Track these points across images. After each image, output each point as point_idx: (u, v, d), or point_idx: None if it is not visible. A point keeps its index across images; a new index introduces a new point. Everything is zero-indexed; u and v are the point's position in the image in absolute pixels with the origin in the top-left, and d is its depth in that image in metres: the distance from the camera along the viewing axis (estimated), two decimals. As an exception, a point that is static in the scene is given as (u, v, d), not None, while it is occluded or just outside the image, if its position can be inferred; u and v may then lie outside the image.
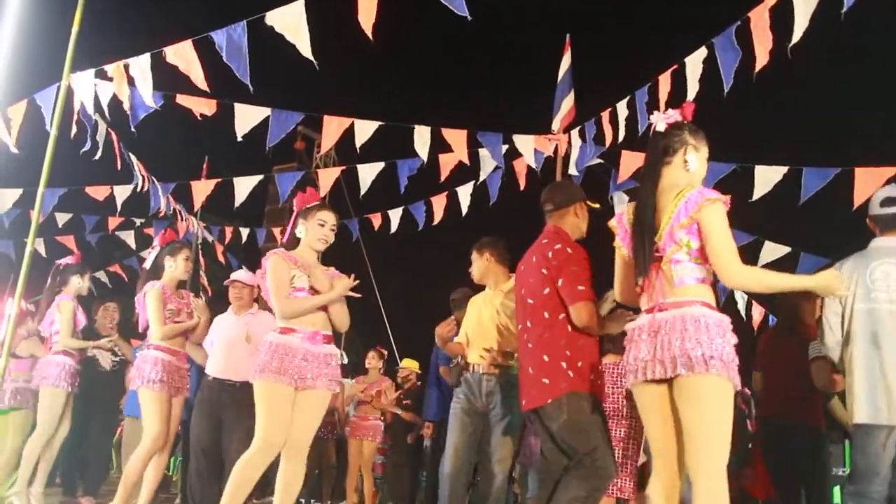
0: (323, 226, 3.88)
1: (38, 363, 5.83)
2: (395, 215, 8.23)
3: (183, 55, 4.96)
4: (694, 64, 5.20)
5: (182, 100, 5.57)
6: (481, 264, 4.60)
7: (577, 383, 3.35)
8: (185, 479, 6.04)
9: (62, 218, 8.93)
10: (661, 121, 2.98)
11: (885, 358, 3.39)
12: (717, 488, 2.60)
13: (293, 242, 3.92)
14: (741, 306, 8.53)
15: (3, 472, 6.01)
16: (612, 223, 3.08)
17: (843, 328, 3.57)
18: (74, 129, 5.49)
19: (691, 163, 2.90)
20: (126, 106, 5.35)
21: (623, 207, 6.18)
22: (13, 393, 6.22)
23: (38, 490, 5.68)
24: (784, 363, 4.67)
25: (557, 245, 3.53)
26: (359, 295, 3.93)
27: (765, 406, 4.99)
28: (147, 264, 4.99)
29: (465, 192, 7.38)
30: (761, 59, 4.71)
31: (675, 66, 5.36)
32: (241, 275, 5.64)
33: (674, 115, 2.98)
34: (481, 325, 4.45)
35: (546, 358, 3.43)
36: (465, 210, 7.41)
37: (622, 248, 3.00)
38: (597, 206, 3.78)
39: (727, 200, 2.79)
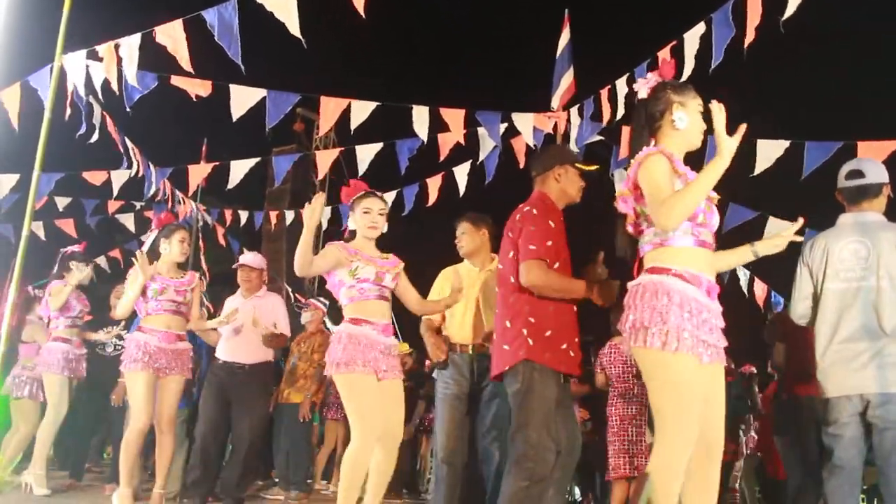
0: (368, 213, 3.88)
1: (41, 350, 5.97)
2: (391, 198, 8.16)
3: (172, 35, 4.90)
4: (692, 40, 5.14)
5: (177, 81, 5.51)
6: (476, 239, 4.46)
7: (538, 352, 3.16)
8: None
9: (62, 202, 8.90)
10: (642, 87, 2.86)
11: (848, 334, 3.45)
12: (664, 466, 2.52)
13: (351, 236, 3.96)
14: (743, 283, 8.50)
15: (10, 457, 6.08)
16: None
17: (813, 303, 3.62)
18: (69, 112, 5.45)
19: (679, 121, 2.76)
20: (117, 87, 5.30)
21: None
22: (23, 381, 6.27)
23: (41, 473, 5.72)
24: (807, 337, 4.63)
25: (527, 207, 3.38)
26: None
27: (789, 380, 4.91)
28: (144, 248, 4.99)
29: (462, 172, 7.31)
30: (751, 34, 4.67)
31: (674, 43, 5.30)
32: (249, 258, 5.68)
33: (653, 78, 2.86)
34: (468, 304, 4.33)
35: (508, 324, 3.27)
36: (462, 190, 7.35)
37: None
38: (593, 168, 3.57)
39: (664, 149, 2.69)
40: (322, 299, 7.61)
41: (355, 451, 3.58)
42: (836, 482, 3.44)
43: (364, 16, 4.47)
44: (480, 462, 4.25)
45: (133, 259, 4.61)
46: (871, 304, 3.43)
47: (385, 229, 3.92)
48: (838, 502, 3.41)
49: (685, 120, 2.77)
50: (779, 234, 3.05)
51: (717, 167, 2.59)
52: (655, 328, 2.55)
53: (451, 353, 4.29)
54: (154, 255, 4.86)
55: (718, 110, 2.59)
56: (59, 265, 5.92)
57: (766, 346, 5.93)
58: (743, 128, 2.63)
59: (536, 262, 3.20)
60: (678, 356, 2.54)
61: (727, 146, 2.60)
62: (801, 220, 3.06)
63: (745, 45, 4.72)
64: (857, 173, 3.66)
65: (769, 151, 5.75)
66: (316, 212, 3.66)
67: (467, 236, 4.47)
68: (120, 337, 6.86)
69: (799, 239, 3.09)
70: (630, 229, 2.81)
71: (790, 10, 4.46)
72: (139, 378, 4.62)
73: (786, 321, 5.00)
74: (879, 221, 3.58)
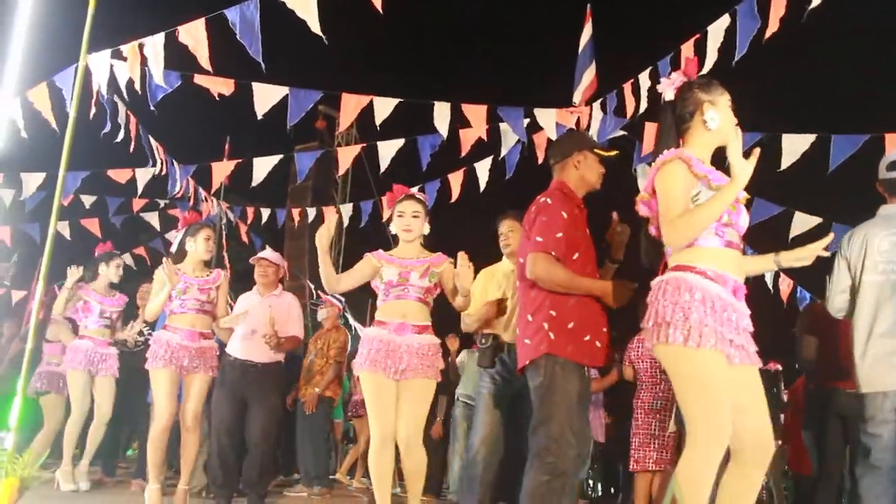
0: (402, 216, 3.97)
1: (67, 348, 6.10)
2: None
3: (194, 34, 4.93)
4: (716, 33, 5.08)
5: (200, 80, 5.53)
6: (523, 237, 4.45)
7: (561, 346, 3.10)
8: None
9: (87, 200, 8.99)
10: (667, 88, 2.81)
11: (882, 328, 3.39)
12: (694, 465, 2.48)
13: (394, 240, 4.08)
14: (768, 278, 8.40)
15: (37, 454, 6.13)
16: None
17: (851, 297, 3.57)
18: (94, 111, 5.50)
19: (712, 121, 2.72)
20: (140, 86, 5.34)
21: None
22: (46, 376, 6.36)
23: (67, 469, 5.80)
24: (837, 331, 4.53)
25: (543, 198, 3.31)
26: None
27: (820, 373, 4.85)
28: (173, 248, 5.09)
29: (483, 168, 7.29)
30: (775, 25, 4.61)
31: (697, 36, 5.24)
32: (269, 253, 5.70)
33: (678, 78, 2.81)
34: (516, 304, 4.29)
35: (529, 318, 3.22)
36: (482, 186, 7.32)
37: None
38: (612, 153, 3.50)
39: (683, 153, 2.64)
40: (338, 296, 7.64)
41: (371, 450, 3.77)
42: (870, 481, 3.38)
43: (381, 10, 4.47)
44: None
45: (162, 268, 4.65)
46: None
47: (424, 230, 3.99)
48: (872, 501, 3.36)
49: (717, 119, 2.73)
50: (807, 247, 2.95)
51: (731, 191, 2.57)
52: (677, 324, 2.51)
53: (500, 353, 4.22)
54: (181, 254, 4.92)
55: (737, 136, 2.59)
56: (90, 268, 6.12)
57: (792, 341, 5.87)
58: (757, 152, 2.62)
59: (543, 255, 3.15)
60: (701, 352, 2.49)
61: (742, 170, 2.58)
62: (830, 236, 3.00)
63: (767, 36, 4.66)
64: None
65: (795, 145, 5.68)
66: (324, 236, 3.76)
67: (515, 234, 4.31)
68: (141, 333, 6.94)
69: (826, 254, 2.99)
70: (654, 232, 2.78)
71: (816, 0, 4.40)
72: (162, 375, 4.67)
73: (816, 314, 4.94)
74: None
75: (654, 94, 5.73)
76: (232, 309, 5.44)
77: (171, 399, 4.69)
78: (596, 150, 3.46)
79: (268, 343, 5.13)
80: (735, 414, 2.55)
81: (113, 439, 7.19)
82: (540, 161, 6.83)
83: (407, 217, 3.94)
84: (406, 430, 3.80)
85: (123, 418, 7.23)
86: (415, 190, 4.30)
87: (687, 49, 5.29)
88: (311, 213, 9.98)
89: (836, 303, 3.64)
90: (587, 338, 3.17)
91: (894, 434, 3.35)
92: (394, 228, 3.99)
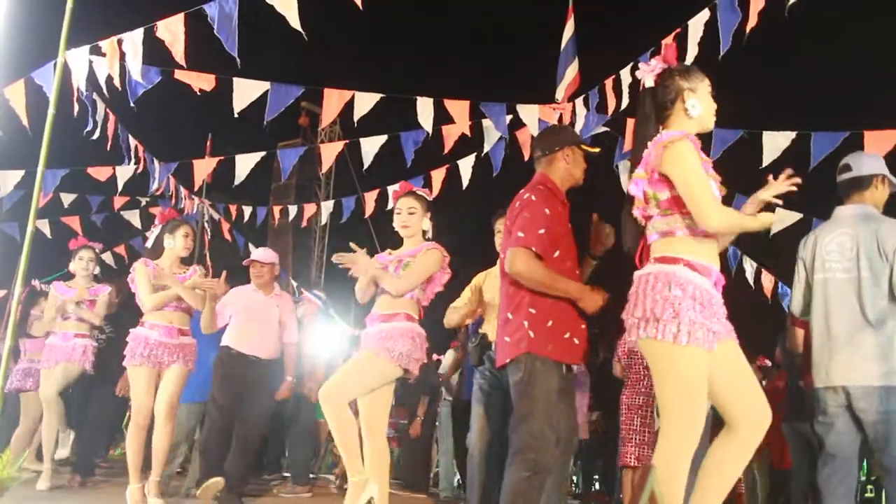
0: (399, 213, 3.99)
1: (45, 345, 5.82)
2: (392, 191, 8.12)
3: (171, 29, 4.89)
4: (696, 27, 5.10)
5: (181, 75, 5.49)
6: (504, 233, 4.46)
7: (540, 345, 3.09)
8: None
9: (67, 198, 8.91)
10: (647, 75, 2.78)
11: (833, 325, 3.47)
12: (668, 459, 2.51)
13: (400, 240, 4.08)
14: (749, 275, 8.46)
15: (16, 453, 6.06)
16: (631, 186, 2.86)
17: (808, 296, 3.66)
18: (77, 108, 5.44)
19: (693, 108, 2.70)
20: (119, 83, 5.29)
21: (627, 176, 6.05)
22: (24, 373, 6.27)
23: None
24: None
25: (526, 194, 3.27)
26: None
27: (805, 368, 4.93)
28: (148, 244, 5.03)
29: (466, 165, 7.29)
30: (754, 19, 4.64)
31: (678, 30, 5.27)
32: (260, 254, 5.68)
33: (658, 65, 2.78)
34: None
35: (510, 316, 3.20)
36: (465, 183, 7.32)
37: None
38: (596, 150, 3.47)
39: (689, 134, 2.62)
40: (317, 293, 7.62)
41: None
42: (829, 470, 3.47)
43: (361, 6, 4.46)
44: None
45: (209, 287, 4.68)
46: (854, 295, 3.44)
47: (422, 226, 4.00)
48: (830, 491, 3.43)
49: (699, 107, 2.72)
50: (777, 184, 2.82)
51: (753, 225, 2.62)
52: (668, 320, 2.50)
53: (488, 351, 4.26)
54: (157, 250, 4.88)
55: (777, 187, 2.67)
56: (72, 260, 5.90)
57: (773, 336, 5.91)
58: (773, 218, 2.68)
59: (523, 250, 3.12)
60: (688, 349, 2.49)
61: (764, 221, 2.64)
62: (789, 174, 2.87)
63: (748, 30, 4.68)
64: (846, 167, 3.71)
65: (776, 142, 5.71)
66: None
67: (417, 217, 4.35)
68: (102, 330, 6.85)
69: (797, 181, 2.84)
70: (637, 213, 2.76)
71: None
72: (140, 373, 4.67)
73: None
74: (867, 213, 3.58)
75: (635, 90, 5.75)
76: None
77: (150, 397, 4.67)
78: (582, 147, 3.45)
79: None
80: (726, 391, 2.59)
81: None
82: (526, 157, 6.85)
83: (403, 214, 3.96)
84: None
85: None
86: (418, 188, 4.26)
87: (667, 44, 5.31)
88: (293, 210, 9.94)
89: (794, 303, 3.74)
90: (566, 335, 3.17)
91: (846, 423, 3.43)
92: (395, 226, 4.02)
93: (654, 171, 2.62)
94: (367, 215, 8.52)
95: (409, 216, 3.95)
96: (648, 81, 2.78)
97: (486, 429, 4.24)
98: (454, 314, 4.61)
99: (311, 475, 7.23)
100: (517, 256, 3.12)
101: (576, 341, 3.20)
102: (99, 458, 7.35)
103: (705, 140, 2.82)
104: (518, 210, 3.24)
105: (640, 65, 2.82)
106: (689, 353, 2.50)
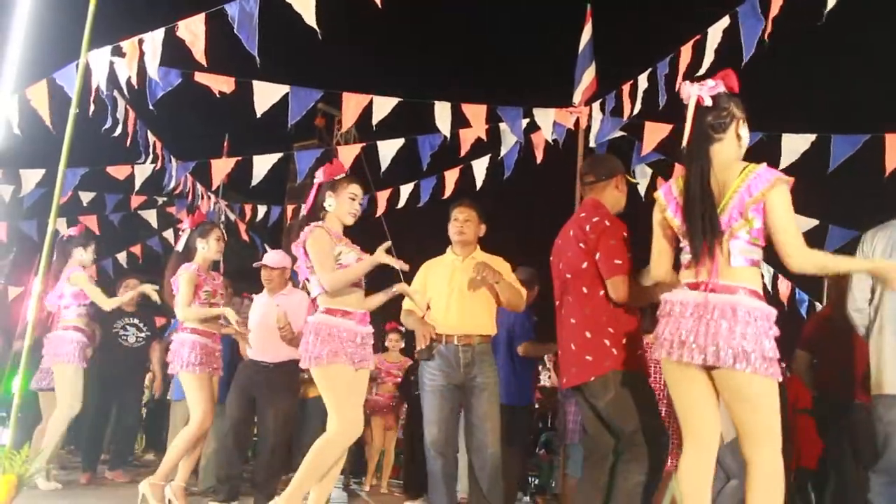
0: (354, 199, 3.88)
1: (50, 340, 5.68)
2: (406, 190, 8.12)
3: (192, 29, 4.91)
4: (715, 34, 5.07)
5: (200, 77, 5.52)
6: (478, 230, 4.50)
7: (623, 360, 3.27)
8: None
9: (86, 197, 8.96)
10: (704, 93, 2.76)
11: None
12: (775, 476, 2.59)
13: (317, 214, 3.86)
14: (767, 279, 8.40)
15: (35, 449, 6.07)
16: (659, 194, 2.90)
17: (871, 305, 3.55)
18: (92, 108, 5.48)
19: (745, 137, 2.78)
20: (136, 83, 5.32)
21: (645, 181, 6.07)
22: (45, 372, 6.30)
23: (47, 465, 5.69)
24: (839, 344, 4.55)
25: (595, 218, 3.41)
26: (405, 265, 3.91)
27: (822, 385, 4.89)
28: (179, 247, 5.04)
29: (480, 166, 7.29)
30: (775, 24, 4.61)
31: (697, 37, 5.24)
32: (270, 258, 5.63)
33: (718, 86, 2.78)
34: (453, 293, 4.33)
35: (588, 335, 3.34)
36: (479, 184, 7.31)
37: (674, 220, 2.80)
38: (636, 182, 3.70)
39: (791, 182, 2.67)
40: None
41: (332, 438, 3.60)
42: (881, 481, 3.45)
43: (380, 4, 4.48)
44: (469, 452, 4.27)
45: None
46: None
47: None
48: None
49: (748, 137, 2.81)
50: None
51: (861, 265, 3.02)
52: (773, 359, 2.56)
53: (437, 344, 4.26)
54: (188, 253, 4.91)
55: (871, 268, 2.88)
56: (56, 252, 5.66)
57: (790, 343, 5.87)
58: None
59: (624, 278, 3.28)
60: (775, 383, 2.60)
61: (874, 266, 2.88)
62: None
63: (766, 36, 4.65)
64: None
65: (794, 145, 5.67)
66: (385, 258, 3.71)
67: (472, 224, 4.47)
68: (139, 329, 6.91)
69: None
70: (744, 241, 2.70)
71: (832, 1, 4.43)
72: (202, 380, 4.72)
73: (819, 325, 4.96)
74: None
75: (651, 96, 5.73)
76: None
77: (211, 401, 4.76)
78: (627, 176, 3.67)
79: (283, 336, 5.07)
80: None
81: (98, 435, 7.03)
82: (538, 161, 6.85)
83: (358, 201, 3.92)
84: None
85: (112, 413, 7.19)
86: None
87: (686, 50, 5.29)
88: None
89: (858, 302, 3.62)
90: (638, 350, 3.37)
91: None
92: (331, 206, 3.87)
93: (760, 202, 2.63)
94: (378, 214, 8.51)
95: (361, 207, 3.92)
96: (707, 101, 2.76)
97: (443, 427, 4.25)
98: (411, 317, 4.46)
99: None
100: (621, 285, 3.28)
101: (642, 357, 3.41)
102: (132, 455, 7.40)
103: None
104: (599, 236, 3.36)
105: (685, 83, 2.84)
106: (775, 386, 2.63)
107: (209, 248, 4.90)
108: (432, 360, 4.28)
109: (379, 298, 3.94)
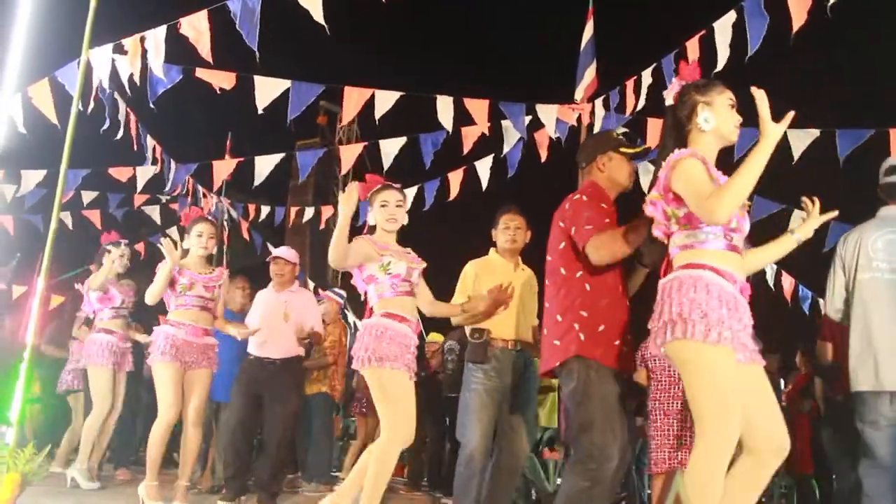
0: (386, 206, 3.78)
1: (85, 343, 6.00)
2: (410, 194, 8.09)
3: (196, 25, 4.90)
4: (723, 29, 5.04)
5: (201, 73, 5.51)
6: (526, 236, 4.48)
7: (591, 349, 3.05)
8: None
9: (87, 197, 8.96)
10: (669, 94, 2.81)
11: (881, 326, 3.41)
12: (703, 464, 2.46)
13: (371, 230, 3.86)
14: (769, 276, 8.38)
15: (63, 450, 6.20)
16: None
17: (847, 296, 3.60)
18: (92, 106, 5.47)
19: (705, 122, 2.69)
20: (139, 80, 5.31)
21: (648, 177, 6.01)
22: (74, 374, 6.39)
23: (87, 465, 5.74)
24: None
25: (576, 196, 3.25)
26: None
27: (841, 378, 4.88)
28: (185, 244, 5.04)
29: (484, 166, 7.27)
30: (798, 19, 4.52)
31: (703, 32, 5.21)
32: (284, 252, 5.70)
33: (676, 84, 2.80)
34: (521, 303, 4.29)
35: (559, 318, 3.16)
36: (485, 184, 7.29)
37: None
38: (638, 150, 3.41)
39: (696, 152, 2.62)
40: (339, 290, 7.62)
41: (385, 446, 3.51)
42: (875, 480, 3.39)
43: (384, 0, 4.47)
44: (500, 454, 4.23)
45: (159, 244, 4.61)
46: None
47: (405, 221, 3.83)
48: (877, 500, 3.36)
49: (711, 120, 2.69)
50: (814, 216, 2.94)
51: (761, 153, 2.47)
52: (696, 320, 2.47)
53: (492, 349, 4.23)
54: (184, 252, 4.90)
55: (760, 97, 2.48)
56: (97, 258, 5.99)
57: (793, 338, 5.85)
58: (791, 114, 2.51)
59: (598, 235, 3.05)
60: (719, 349, 2.47)
61: (772, 131, 2.46)
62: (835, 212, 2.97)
63: (794, 29, 4.58)
64: (893, 169, 3.63)
65: (798, 141, 5.65)
66: (351, 198, 3.50)
67: (522, 232, 4.48)
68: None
69: (834, 214, 2.94)
70: (658, 233, 2.75)
71: None
72: (167, 370, 4.66)
73: (832, 324, 4.95)
74: None
75: (655, 91, 5.70)
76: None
77: (178, 394, 4.68)
78: (622, 150, 3.38)
79: (298, 339, 5.09)
80: (750, 416, 2.52)
81: (131, 435, 7.15)
82: (542, 159, 6.83)
83: (391, 206, 3.81)
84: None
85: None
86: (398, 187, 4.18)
87: (692, 46, 5.26)
88: (311, 211, 9.96)
89: (835, 303, 3.67)
90: (616, 342, 3.11)
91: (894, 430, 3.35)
92: (372, 219, 3.83)
93: (669, 191, 2.63)
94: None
95: (398, 209, 3.79)
96: (669, 100, 2.80)
97: (486, 434, 4.17)
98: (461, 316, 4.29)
99: (333, 474, 7.24)
100: (598, 244, 3.04)
101: (625, 349, 3.16)
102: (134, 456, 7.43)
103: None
104: (571, 211, 3.20)
105: (664, 71, 2.84)
106: (718, 353, 2.47)
107: (191, 245, 4.85)
108: (487, 363, 4.23)
109: None
